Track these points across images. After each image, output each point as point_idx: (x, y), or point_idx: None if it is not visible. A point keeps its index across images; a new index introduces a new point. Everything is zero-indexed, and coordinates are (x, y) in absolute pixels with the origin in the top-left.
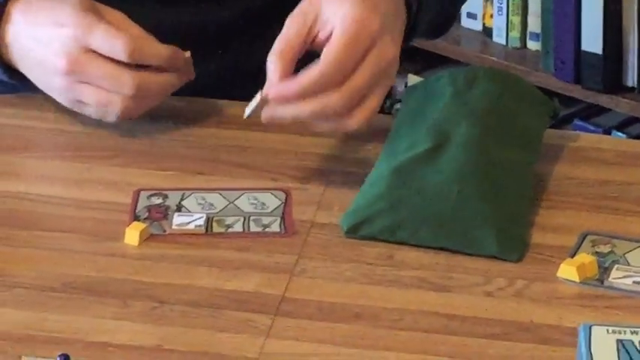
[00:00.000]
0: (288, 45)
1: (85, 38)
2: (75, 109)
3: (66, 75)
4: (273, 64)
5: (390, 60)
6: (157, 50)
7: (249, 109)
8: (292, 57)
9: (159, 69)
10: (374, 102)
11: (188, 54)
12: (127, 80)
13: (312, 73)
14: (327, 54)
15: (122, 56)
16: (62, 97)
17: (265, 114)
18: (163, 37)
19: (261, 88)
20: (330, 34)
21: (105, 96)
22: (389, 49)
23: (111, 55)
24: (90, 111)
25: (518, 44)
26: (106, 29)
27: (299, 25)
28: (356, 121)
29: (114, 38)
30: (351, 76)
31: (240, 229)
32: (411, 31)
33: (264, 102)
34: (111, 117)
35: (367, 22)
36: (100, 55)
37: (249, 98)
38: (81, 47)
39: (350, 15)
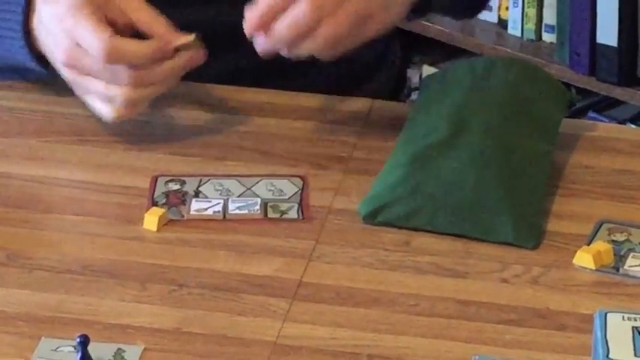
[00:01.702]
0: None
1: (72, 34)
2: (85, 101)
3: (67, 68)
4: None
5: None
6: (135, 48)
7: None
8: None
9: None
10: (342, 17)
11: (191, 37)
12: (122, 71)
13: None
14: None
15: (99, 57)
16: (73, 88)
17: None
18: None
19: None
20: None
21: (105, 91)
22: None
23: (91, 52)
24: (97, 105)
25: (533, 36)
26: (87, 27)
27: None
28: (324, 33)
29: (92, 38)
30: None
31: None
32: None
33: None
34: (112, 113)
35: None
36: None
37: None
38: (73, 41)
39: None
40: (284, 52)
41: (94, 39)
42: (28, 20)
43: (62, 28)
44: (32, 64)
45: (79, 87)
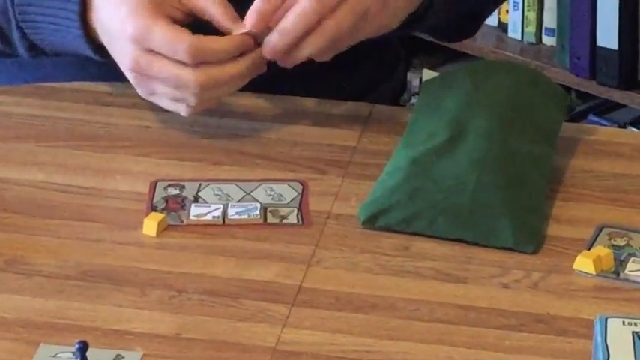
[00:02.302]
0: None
1: (144, 41)
2: (151, 101)
3: (133, 72)
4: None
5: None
6: (221, 46)
7: None
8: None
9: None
10: (343, 14)
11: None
12: (190, 80)
13: None
14: None
15: (185, 59)
16: (137, 90)
17: (264, 50)
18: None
19: None
20: None
21: (174, 93)
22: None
23: (173, 57)
24: (165, 103)
25: (533, 40)
26: (165, 32)
27: None
28: (326, 30)
29: (174, 41)
30: None
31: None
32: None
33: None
34: (185, 111)
35: None
36: (163, 55)
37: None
38: (142, 48)
39: None
40: (283, 62)
41: (177, 42)
42: (85, 11)
43: (128, 34)
44: (90, 53)
45: (145, 89)
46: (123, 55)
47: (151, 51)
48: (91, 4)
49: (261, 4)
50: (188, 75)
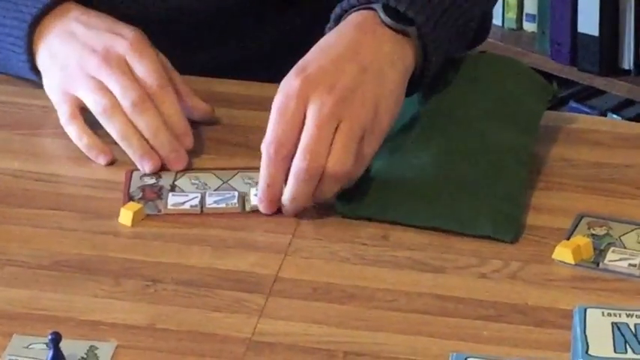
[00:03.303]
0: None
1: (131, 55)
2: (89, 90)
3: (102, 60)
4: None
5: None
6: (176, 100)
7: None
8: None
9: None
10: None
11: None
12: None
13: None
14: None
15: (154, 83)
16: (83, 73)
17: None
18: (168, 23)
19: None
20: None
21: (111, 100)
22: (325, 98)
23: (143, 77)
24: (100, 102)
25: (514, 25)
26: (154, 61)
27: None
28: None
29: (154, 72)
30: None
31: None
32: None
33: None
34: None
35: (287, 86)
36: (131, 72)
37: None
38: (121, 56)
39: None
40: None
41: (158, 72)
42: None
43: (120, 42)
44: (31, 76)
45: (98, 72)
46: (100, 43)
47: (126, 63)
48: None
49: (267, 191)
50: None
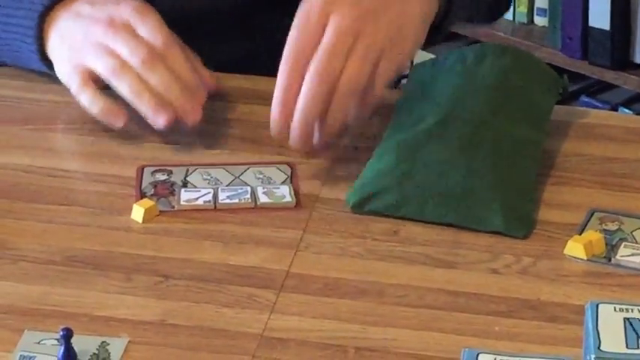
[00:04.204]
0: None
1: (134, 18)
2: (97, 57)
3: (107, 26)
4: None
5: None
6: (184, 58)
7: None
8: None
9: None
10: (352, 72)
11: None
12: (144, 48)
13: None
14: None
15: (161, 42)
16: (89, 43)
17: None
18: (179, 19)
19: None
20: None
21: (120, 60)
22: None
23: (149, 38)
24: (109, 63)
25: (525, 20)
26: (158, 22)
27: None
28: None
29: (160, 32)
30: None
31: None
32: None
33: None
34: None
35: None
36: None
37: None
38: (126, 20)
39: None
40: (317, 143)
41: (161, 33)
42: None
43: (122, 9)
44: (40, 67)
45: (104, 39)
46: (104, 14)
47: (131, 28)
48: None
49: (281, 96)
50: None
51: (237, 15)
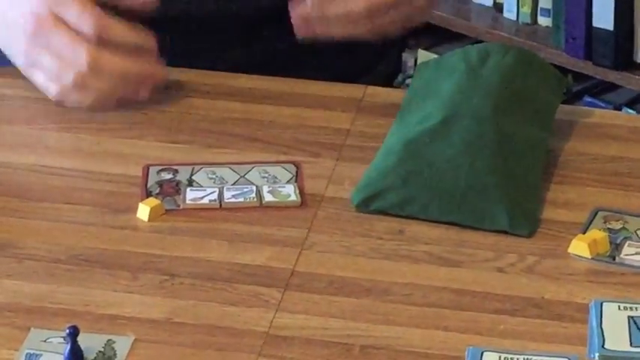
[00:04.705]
0: None
1: (56, 6)
2: (28, 75)
3: (31, 36)
4: None
5: None
6: (125, 31)
7: None
8: None
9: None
10: None
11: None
12: (81, 53)
13: None
14: None
15: (87, 29)
16: (21, 60)
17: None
18: (189, 25)
19: None
20: None
21: (57, 67)
22: None
23: (77, 28)
24: (40, 79)
25: (528, 20)
26: (79, 2)
27: None
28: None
29: (85, 11)
30: None
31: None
32: None
33: None
34: (55, 92)
35: None
36: (66, 24)
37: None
38: (50, 12)
39: None
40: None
41: (84, 12)
42: None
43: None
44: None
45: (31, 57)
46: (25, 18)
47: (58, 18)
48: None
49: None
50: (82, 47)
51: (243, 22)
